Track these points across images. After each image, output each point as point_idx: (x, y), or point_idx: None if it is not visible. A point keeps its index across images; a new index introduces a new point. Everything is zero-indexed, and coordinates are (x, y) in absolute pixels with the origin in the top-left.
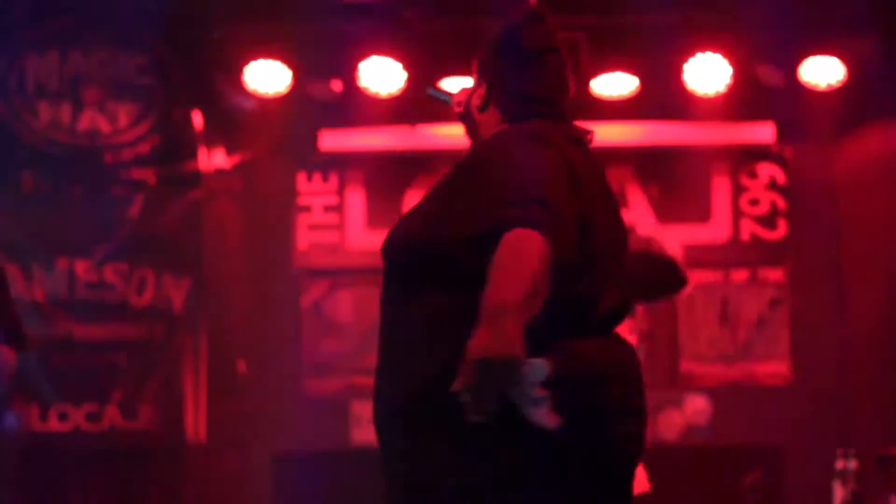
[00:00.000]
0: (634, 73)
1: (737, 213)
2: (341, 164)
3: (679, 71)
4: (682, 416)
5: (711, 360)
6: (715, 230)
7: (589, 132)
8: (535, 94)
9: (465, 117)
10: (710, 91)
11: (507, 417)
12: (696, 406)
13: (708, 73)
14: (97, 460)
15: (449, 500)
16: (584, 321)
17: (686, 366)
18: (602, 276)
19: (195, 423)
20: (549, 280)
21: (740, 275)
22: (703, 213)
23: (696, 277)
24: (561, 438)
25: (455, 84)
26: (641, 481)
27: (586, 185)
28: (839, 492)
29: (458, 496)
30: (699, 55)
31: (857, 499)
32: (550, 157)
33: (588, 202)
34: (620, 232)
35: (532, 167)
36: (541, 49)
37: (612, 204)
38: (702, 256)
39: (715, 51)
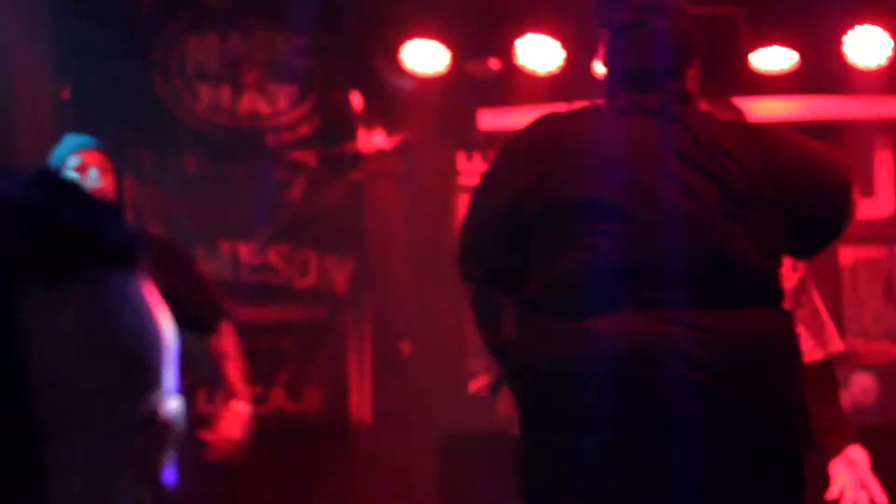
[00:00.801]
0: (793, 48)
1: None
2: (500, 142)
3: (839, 44)
4: (849, 395)
5: (877, 337)
6: (878, 205)
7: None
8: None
9: None
10: (871, 64)
11: None
12: (863, 384)
13: (868, 46)
14: (264, 442)
15: None
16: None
17: (851, 343)
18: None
19: (360, 403)
20: None
21: None
22: (865, 188)
23: (860, 253)
24: None
25: None
26: None
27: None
28: None
29: None
30: (859, 28)
31: None
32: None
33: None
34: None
35: None
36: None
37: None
38: (866, 232)
39: (875, 23)
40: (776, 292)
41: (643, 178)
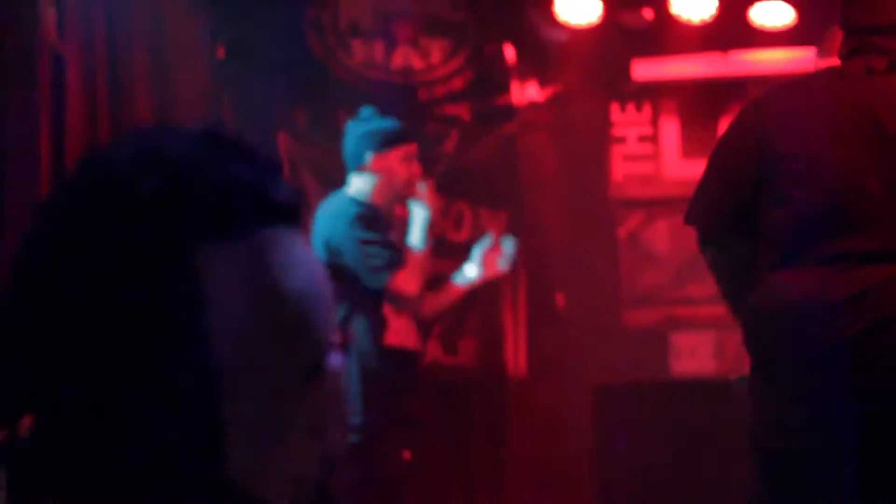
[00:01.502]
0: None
1: None
2: (655, 93)
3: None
4: None
5: None
6: None
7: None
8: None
9: None
10: None
11: None
12: None
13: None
14: (420, 395)
15: None
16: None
17: None
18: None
19: (515, 355)
20: None
21: None
22: None
23: None
24: None
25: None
26: None
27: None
28: None
29: None
30: None
31: None
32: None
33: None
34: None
35: None
36: None
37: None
38: None
39: None
40: None
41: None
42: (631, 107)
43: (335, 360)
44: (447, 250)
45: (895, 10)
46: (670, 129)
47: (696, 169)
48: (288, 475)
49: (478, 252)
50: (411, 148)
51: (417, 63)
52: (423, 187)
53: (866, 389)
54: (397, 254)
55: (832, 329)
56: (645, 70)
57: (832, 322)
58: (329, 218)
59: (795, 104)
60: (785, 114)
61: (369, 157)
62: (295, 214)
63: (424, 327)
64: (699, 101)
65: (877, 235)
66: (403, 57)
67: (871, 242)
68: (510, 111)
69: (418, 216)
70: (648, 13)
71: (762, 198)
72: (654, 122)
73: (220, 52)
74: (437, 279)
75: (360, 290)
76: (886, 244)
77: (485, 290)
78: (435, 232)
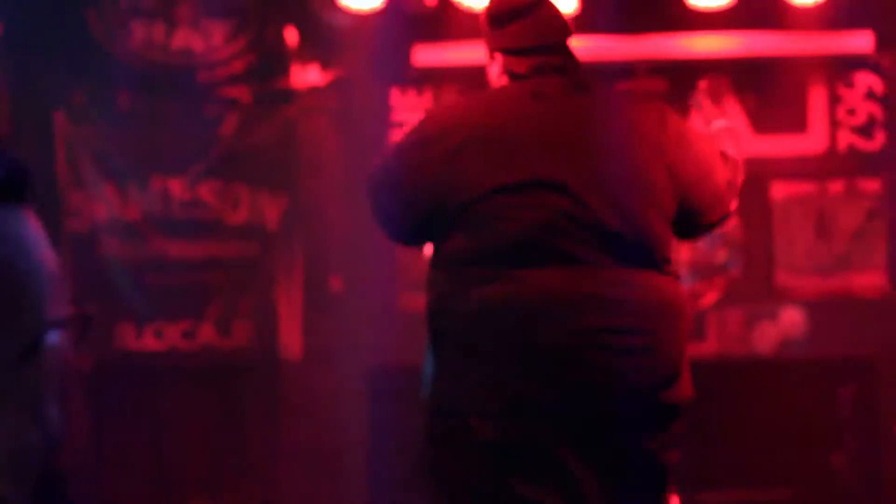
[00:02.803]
0: None
1: (833, 124)
2: (435, 78)
3: None
4: (777, 328)
5: (808, 272)
6: (811, 141)
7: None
8: (524, 46)
9: None
10: (807, 0)
11: None
12: (792, 318)
13: None
14: (192, 378)
15: None
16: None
17: (782, 278)
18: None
19: (290, 339)
20: None
21: (836, 186)
22: (799, 124)
23: (792, 189)
24: None
25: None
26: None
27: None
28: None
29: None
30: None
31: None
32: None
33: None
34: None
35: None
36: (517, 8)
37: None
38: (798, 167)
39: None
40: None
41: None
42: (411, 92)
43: (54, 338)
44: (224, 233)
45: (559, 29)
46: None
47: None
48: (3, 447)
49: None
50: None
51: (198, 45)
52: None
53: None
54: None
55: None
56: (426, 55)
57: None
58: None
59: (497, 124)
60: (488, 137)
61: None
62: (14, 192)
63: None
64: (479, 86)
65: None
66: (184, 38)
67: None
68: (291, 95)
69: None
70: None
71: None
72: None
73: None
74: (213, 262)
75: None
76: None
77: (261, 273)
78: (213, 214)
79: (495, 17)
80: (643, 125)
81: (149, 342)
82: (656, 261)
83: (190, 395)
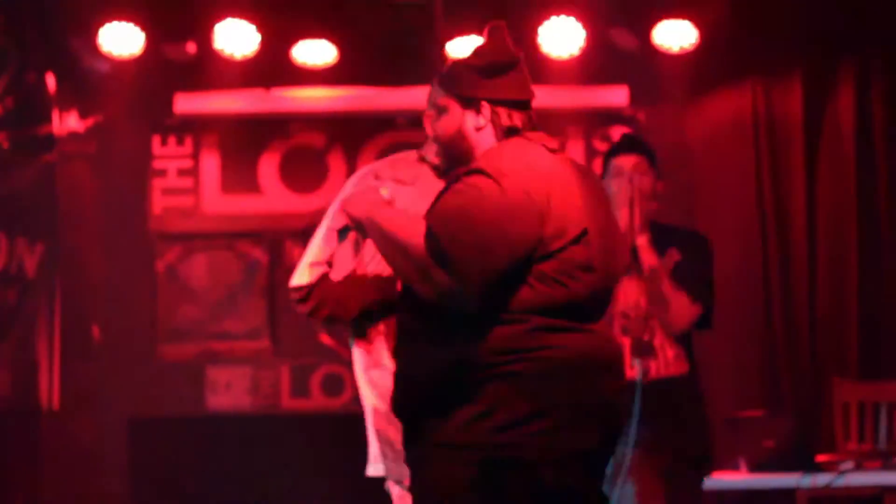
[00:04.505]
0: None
1: None
2: (196, 127)
3: (534, 34)
4: None
5: None
6: None
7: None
8: (520, 99)
9: (451, 142)
10: (564, 54)
11: None
12: None
13: (562, 36)
14: None
15: None
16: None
17: None
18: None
19: (49, 388)
20: None
21: None
22: None
23: None
24: None
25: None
26: None
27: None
28: None
29: None
30: (553, 18)
31: None
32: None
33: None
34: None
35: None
36: (512, 60)
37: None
38: None
39: (568, 14)
40: None
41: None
42: (172, 140)
43: None
44: None
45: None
46: (211, 163)
47: (235, 204)
48: None
49: None
50: None
51: None
52: None
53: None
54: None
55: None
56: (187, 104)
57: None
58: None
59: (553, 179)
60: (553, 192)
61: None
62: None
63: None
64: (241, 136)
65: None
66: None
67: None
68: (50, 141)
69: None
70: (192, 47)
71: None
72: (196, 156)
73: None
74: None
75: None
76: None
77: (19, 322)
78: None
79: (491, 66)
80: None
81: None
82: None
83: None
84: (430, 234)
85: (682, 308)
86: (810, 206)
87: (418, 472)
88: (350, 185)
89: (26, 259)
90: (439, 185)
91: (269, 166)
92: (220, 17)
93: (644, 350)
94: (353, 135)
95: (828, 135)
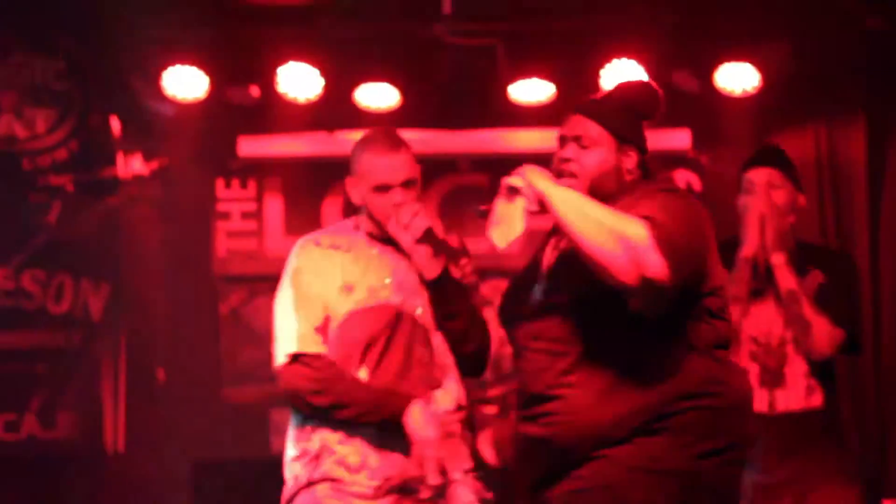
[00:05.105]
0: (551, 80)
1: None
2: (260, 170)
3: (596, 77)
4: None
5: None
6: None
7: None
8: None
9: (602, 177)
10: None
11: None
12: None
13: (624, 79)
14: (16, 469)
15: None
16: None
17: None
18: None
19: (114, 431)
20: None
21: None
22: None
23: None
24: None
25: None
26: None
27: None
28: None
29: None
30: (615, 61)
31: None
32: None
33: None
34: None
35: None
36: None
37: None
38: None
39: (630, 56)
40: None
41: None
42: (236, 183)
43: None
44: (47, 323)
45: None
46: (274, 206)
47: None
48: None
49: None
50: None
51: (21, 132)
52: None
53: None
54: None
55: None
56: (251, 147)
57: None
58: None
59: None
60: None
61: None
62: None
63: None
64: (303, 179)
65: None
66: (7, 126)
67: None
68: (115, 184)
69: None
70: (255, 90)
71: None
72: (259, 199)
73: None
74: (37, 352)
75: None
76: None
77: (84, 364)
78: (36, 303)
79: (649, 112)
80: None
81: None
82: None
83: (13, 486)
84: (657, 223)
85: (824, 332)
86: (873, 248)
87: (604, 494)
88: (293, 255)
89: (91, 302)
90: (373, 251)
91: (332, 209)
92: (283, 61)
93: (773, 379)
94: None
95: (891, 177)
